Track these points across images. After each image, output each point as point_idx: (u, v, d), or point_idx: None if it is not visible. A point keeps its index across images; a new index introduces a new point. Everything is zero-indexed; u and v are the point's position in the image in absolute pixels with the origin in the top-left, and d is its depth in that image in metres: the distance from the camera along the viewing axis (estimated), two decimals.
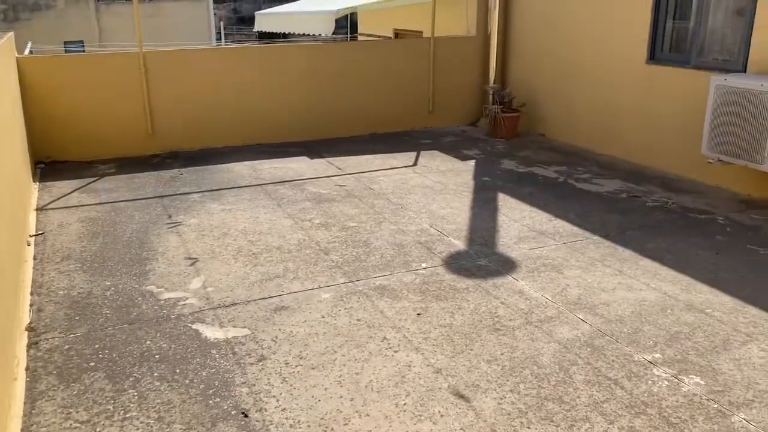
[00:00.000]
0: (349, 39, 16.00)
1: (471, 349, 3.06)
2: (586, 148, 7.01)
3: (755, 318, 3.34)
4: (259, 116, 7.22)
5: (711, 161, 5.19)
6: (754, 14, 5.11)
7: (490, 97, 7.84)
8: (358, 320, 3.33)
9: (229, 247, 4.29)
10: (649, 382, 2.80)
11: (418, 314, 3.40)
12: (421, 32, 8.87)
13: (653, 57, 6.11)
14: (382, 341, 3.13)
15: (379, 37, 10.73)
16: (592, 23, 6.73)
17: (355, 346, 3.10)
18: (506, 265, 4.03)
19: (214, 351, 3.07)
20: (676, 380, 2.81)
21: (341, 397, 2.71)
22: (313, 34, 8.81)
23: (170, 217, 4.87)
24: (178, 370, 2.90)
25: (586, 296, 3.60)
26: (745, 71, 5.24)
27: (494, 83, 7.99)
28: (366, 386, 2.78)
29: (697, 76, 5.59)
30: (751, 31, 5.15)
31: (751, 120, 4.80)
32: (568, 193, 5.48)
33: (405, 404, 2.66)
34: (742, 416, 2.57)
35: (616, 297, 3.59)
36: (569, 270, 3.95)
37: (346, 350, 3.06)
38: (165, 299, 3.58)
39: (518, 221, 4.80)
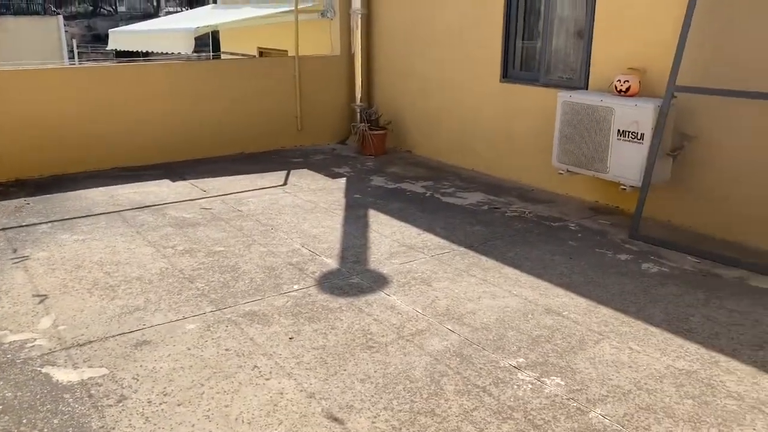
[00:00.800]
0: (212, 57, 15.63)
1: (345, 370, 3.04)
2: (450, 163, 7.28)
3: (606, 317, 3.60)
4: (117, 139, 6.82)
5: (561, 172, 5.57)
6: (592, 36, 5.57)
7: (358, 115, 7.95)
8: (227, 350, 3.21)
9: (83, 281, 3.98)
10: (515, 386, 2.92)
11: (291, 338, 3.33)
12: (286, 51, 8.83)
13: (506, 75, 6.49)
14: (252, 370, 3.03)
15: (243, 55, 10.56)
16: (450, 43, 7.02)
17: (223, 377, 2.97)
18: (378, 281, 4.06)
19: (67, 395, 2.82)
20: (539, 383, 2.95)
21: None
22: (173, 53, 8.48)
23: (15, 251, 4.45)
24: (24, 421, 2.63)
25: (454, 307, 3.71)
26: (587, 88, 5.68)
27: (361, 101, 8.11)
28: (236, 419, 2.67)
29: (545, 93, 5.99)
30: (590, 51, 5.61)
31: (594, 133, 5.21)
32: (435, 207, 5.64)
33: None
34: (599, 411, 2.74)
35: (482, 305, 3.72)
36: (438, 282, 4.05)
37: (214, 382, 2.92)
38: (9, 343, 3.25)
39: (389, 237, 4.86)
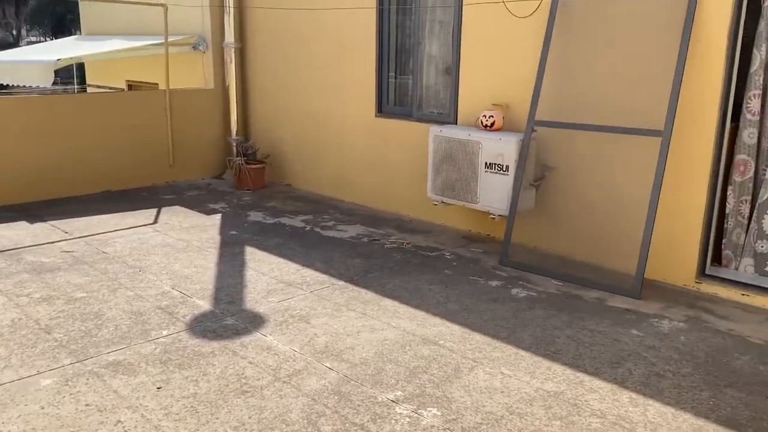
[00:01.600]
0: (77, 91, 14.81)
1: (217, 418, 2.90)
2: (330, 196, 7.30)
3: (479, 344, 3.70)
4: None
5: (436, 203, 5.74)
6: (459, 74, 5.84)
7: (234, 149, 7.79)
8: (87, 405, 2.97)
9: None
10: (392, 421, 2.91)
11: (159, 388, 3.13)
12: (157, 84, 8.53)
13: (381, 110, 6.63)
14: (115, 425, 2.82)
15: (110, 88, 10.09)
16: (326, 78, 7.09)
17: None
18: (254, 322, 3.94)
19: None
20: (416, 415, 2.97)
21: None
22: (30, 86, 7.93)
23: None
24: None
25: (333, 343, 3.67)
26: (456, 123, 5.93)
27: (237, 135, 7.97)
28: None
29: (419, 128, 6.18)
30: (458, 88, 5.87)
31: (464, 165, 5.42)
32: (314, 242, 5.61)
33: None
34: None
35: (361, 340, 3.71)
36: (317, 318, 4.00)
37: None
38: None
39: (266, 274, 4.76)
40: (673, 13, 4.45)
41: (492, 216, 5.33)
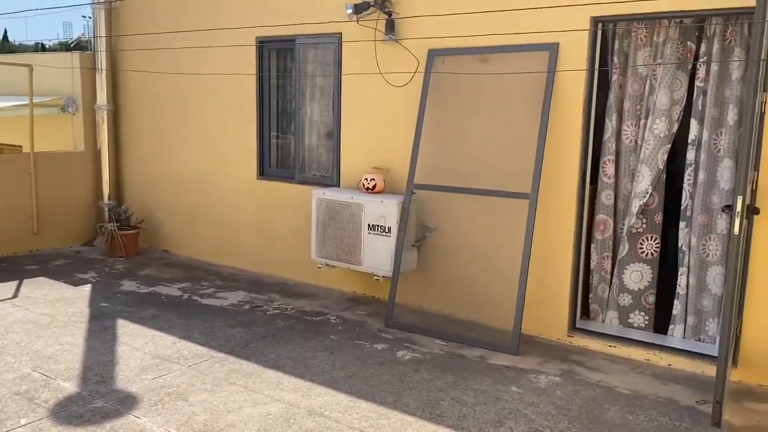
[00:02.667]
0: None
1: None
2: (210, 261, 7.07)
3: (365, 412, 3.66)
4: None
5: (320, 266, 5.71)
6: (340, 138, 5.95)
7: (106, 214, 7.40)
8: None
9: None
10: None
11: None
12: (20, 147, 7.98)
13: (263, 173, 6.59)
14: None
15: None
16: (205, 141, 6.97)
17: None
18: (126, 403, 3.67)
19: None
20: None
21: None
22: None
23: None
24: None
25: (213, 421, 3.48)
26: (339, 185, 6.00)
27: (110, 200, 7.59)
28: None
29: (302, 190, 6.19)
30: (340, 151, 5.97)
31: (347, 228, 5.47)
32: (192, 311, 5.37)
33: None
34: None
35: (243, 416, 3.55)
36: (195, 395, 3.80)
37: None
38: None
39: (140, 349, 4.48)
40: (535, 86, 4.82)
41: (376, 277, 5.38)
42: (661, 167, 4.63)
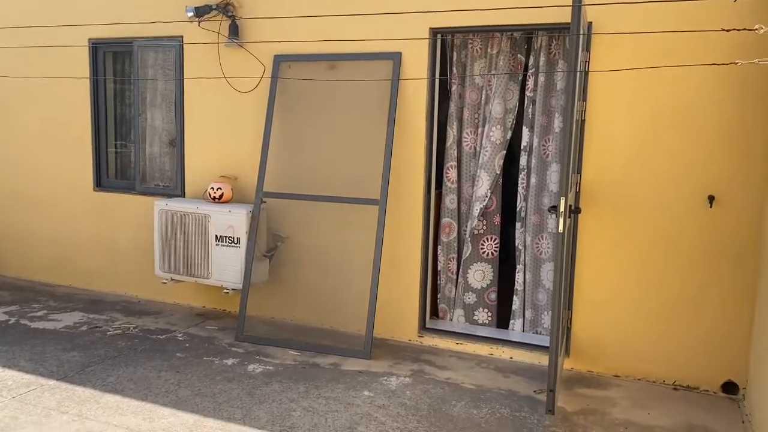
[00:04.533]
0: None
1: None
2: (44, 281, 6.48)
3: (212, 430, 3.50)
4: None
5: (165, 281, 5.42)
6: (184, 146, 5.69)
7: None
8: None
9: None
10: None
11: None
12: None
13: (100, 184, 6.15)
14: None
15: None
16: (33, 151, 6.38)
17: None
18: None
19: None
20: None
21: None
22: None
23: None
24: None
25: None
26: (184, 196, 5.73)
27: None
28: None
29: (143, 201, 5.85)
30: (184, 160, 5.71)
31: (193, 240, 5.24)
32: (20, 336, 4.88)
33: None
34: None
35: None
36: (20, 429, 3.43)
37: None
38: None
39: None
40: (381, 95, 4.91)
41: (226, 290, 5.19)
42: (498, 172, 4.90)
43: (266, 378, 4.25)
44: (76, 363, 4.40)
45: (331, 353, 4.72)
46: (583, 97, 4.31)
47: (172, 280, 5.40)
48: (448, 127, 5.04)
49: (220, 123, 5.52)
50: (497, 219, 5.05)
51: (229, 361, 4.52)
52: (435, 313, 5.25)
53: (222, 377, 4.24)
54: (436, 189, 5.05)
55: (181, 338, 4.98)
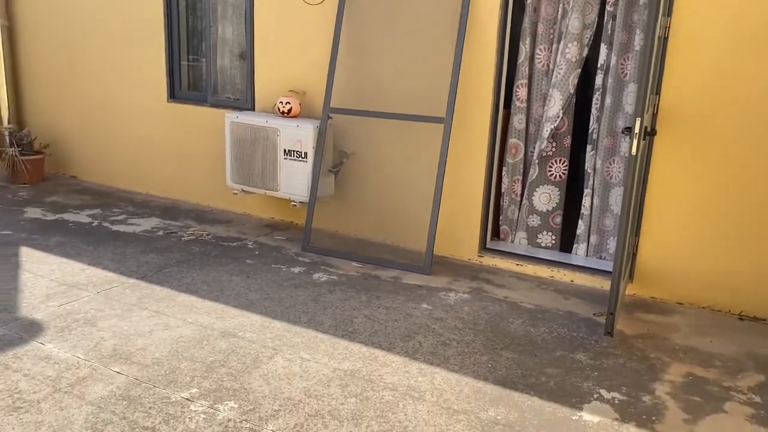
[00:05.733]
0: None
1: None
2: (123, 188, 6.82)
3: (279, 331, 3.71)
4: None
5: (236, 192, 5.61)
6: (254, 59, 5.74)
7: (7, 138, 6.94)
8: None
9: None
10: (186, 420, 2.82)
11: None
12: None
13: (173, 95, 6.31)
14: None
15: None
16: (113, 62, 6.57)
17: None
18: (30, 330, 3.57)
19: None
20: (212, 410, 2.90)
21: None
22: None
23: None
24: None
25: (123, 345, 3.45)
26: (253, 109, 5.83)
27: (9, 123, 7.11)
28: None
29: (214, 113, 5.99)
30: (254, 73, 5.77)
31: (263, 153, 5.36)
32: (102, 238, 5.21)
33: None
34: (271, 427, 2.80)
35: (154, 339, 3.53)
36: (104, 321, 3.73)
37: None
38: None
39: (46, 276, 4.33)
40: (452, 8, 4.76)
41: (293, 203, 5.35)
42: (572, 91, 4.74)
43: (330, 287, 4.41)
44: (154, 264, 4.68)
45: (392, 267, 4.83)
46: (668, 12, 4.05)
47: (242, 191, 5.58)
48: (520, 43, 4.86)
49: (289, 36, 5.51)
50: (567, 141, 4.92)
51: (296, 270, 4.71)
52: (496, 235, 5.26)
53: (289, 284, 4.43)
54: (504, 108, 4.94)
55: (250, 246, 5.20)
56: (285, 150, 5.26)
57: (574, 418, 3.00)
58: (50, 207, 6.00)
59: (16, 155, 6.67)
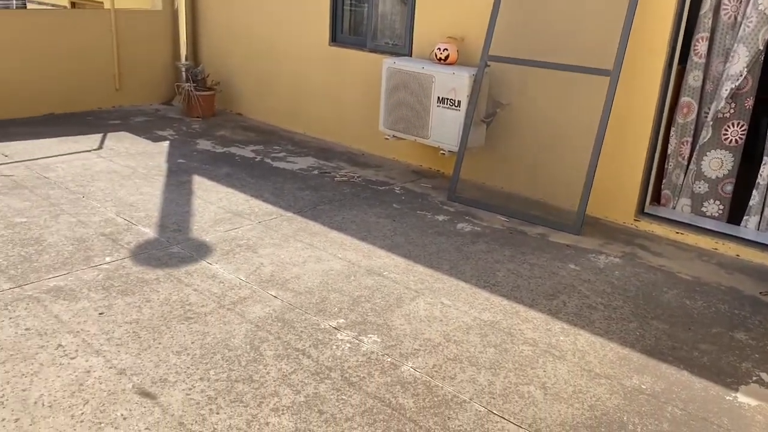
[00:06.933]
0: (16, 6, 13.97)
1: (159, 343, 2.93)
2: (283, 127, 7.20)
3: (422, 275, 3.79)
4: None
5: (388, 137, 5.72)
6: (415, 4, 5.71)
7: (183, 74, 7.55)
8: (27, 329, 2.95)
9: None
10: (333, 347, 3.00)
11: (101, 314, 3.13)
12: (102, 3, 8.11)
13: (335, 39, 6.48)
14: (56, 349, 2.82)
15: (52, 6, 9.55)
16: (279, 3, 6.86)
17: (22, 359, 2.73)
18: (200, 250, 3.93)
19: None
20: (357, 341, 3.06)
21: (4, 419, 2.37)
22: None
23: None
24: None
25: (279, 272, 3.70)
26: (411, 55, 5.85)
27: (187, 60, 7.70)
28: (35, 402, 2.48)
29: (372, 58, 6.09)
30: (414, 19, 5.76)
31: (416, 99, 5.39)
32: (264, 173, 5.56)
33: (82, 414, 2.44)
34: (410, 365, 2.90)
35: (306, 270, 3.76)
36: (264, 248, 4.02)
37: (10, 366, 2.68)
38: None
39: (214, 203, 4.72)
40: None
41: (442, 152, 5.36)
42: (761, 48, 4.26)
43: (474, 237, 4.42)
44: (308, 201, 4.94)
45: (540, 224, 4.72)
46: None
47: (393, 137, 5.68)
48: None
49: None
50: (749, 102, 4.46)
51: (440, 218, 4.75)
52: (656, 199, 4.95)
53: (433, 231, 4.49)
54: (678, 64, 4.55)
55: (398, 191, 5.31)
56: (438, 97, 5.25)
57: (727, 398, 2.82)
58: (219, 140, 6.49)
59: (191, 90, 7.23)
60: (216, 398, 2.58)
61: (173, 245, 3.97)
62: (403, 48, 5.93)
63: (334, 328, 3.16)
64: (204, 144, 6.31)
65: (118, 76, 7.43)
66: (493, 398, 2.71)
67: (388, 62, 5.54)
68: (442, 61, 5.32)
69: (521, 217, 4.82)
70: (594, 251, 4.31)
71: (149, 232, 4.12)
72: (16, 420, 2.38)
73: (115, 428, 2.38)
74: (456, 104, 5.16)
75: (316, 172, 5.69)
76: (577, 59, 4.70)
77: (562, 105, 4.95)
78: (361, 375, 2.80)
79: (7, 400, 2.48)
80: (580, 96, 4.82)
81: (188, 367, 2.76)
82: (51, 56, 6.85)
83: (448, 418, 2.57)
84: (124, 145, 6.02)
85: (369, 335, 3.11)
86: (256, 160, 5.93)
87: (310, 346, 2.99)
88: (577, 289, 3.75)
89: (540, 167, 5.16)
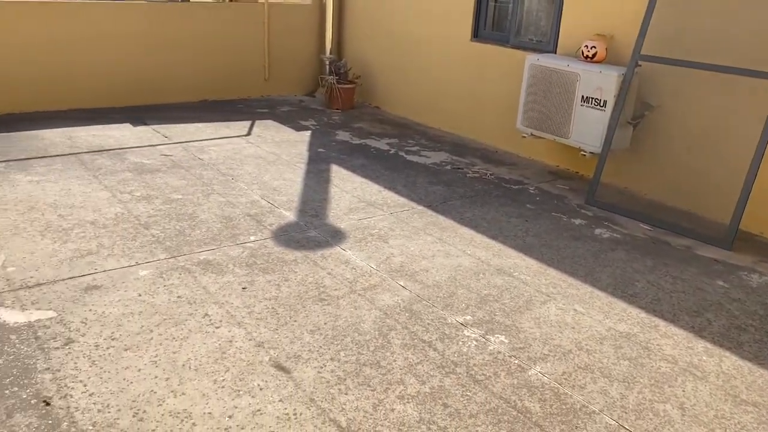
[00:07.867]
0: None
1: (295, 321, 3.07)
2: (418, 121, 7.27)
3: (555, 279, 3.69)
4: (77, 78, 6.63)
5: (525, 135, 5.60)
6: (563, 0, 5.54)
7: (327, 67, 7.83)
8: (179, 297, 3.21)
9: (35, 223, 3.92)
10: (460, 342, 3.00)
11: (244, 288, 3.34)
12: None
13: (477, 35, 6.44)
14: (203, 318, 3.05)
15: None
16: (427, 1, 6.93)
17: (173, 324, 2.98)
18: (335, 236, 4.08)
19: (13, 336, 2.80)
20: (484, 340, 3.03)
21: (156, 377, 2.60)
22: None
23: None
24: None
25: (408, 264, 3.76)
26: (555, 52, 5.68)
27: (331, 53, 7.98)
28: (183, 365, 2.69)
29: (513, 55, 5.98)
30: (561, 15, 5.59)
31: (558, 98, 5.23)
32: (398, 165, 5.65)
33: (224, 380, 2.62)
34: (538, 369, 2.84)
35: (435, 264, 3.78)
36: (394, 239, 4.09)
37: (163, 329, 2.94)
38: None
39: (349, 192, 4.87)
40: None
41: (583, 153, 5.16)
42: None
43: (612, 244, 4.22)
44: (440, 195, 4.96)
45: (685, 235, 4.43)
46: None
47: (531, 135, 5.55)
48: None
49: None
50: None
51: (577, 221, 4.59)
52: None
53: (568, 234, 4.35)
54: None
55: (532, 191, 5.19)
56: (583, 96, 5.06)
57: None
58: (356, 132, 6.68)
59: (333, 83, 7.49)
60: (345, 379, 2.67)
61: (311, 229, 4.14)
62: (547, 44, 5.78)
63: (461, 324, 3.16)
64: (342, 135, 6.52)
65: (268, 67, 7.85)
66: (625, 412, 2.59)
67: (531, 59, 5.41)
68: (589, 59, 5.12)
69: (666, 227, 4.54)
70: (747, 269, 3.98)
71: (290, 216, 4.33)
72: (167, 379, 2.60)
73: (252, 397, 2.53)
74: (601, 104, 4.95)
75: (448, 167, 5.70)
76: (740, 60, 4.33)
77: (719, 110, 4.59)
78: (487, 374, 2.78)
79: (159, 360, 2.72)
80: (739, 100, 4.45)
81: (320, 347, 2.88)
82: (209, 47, 7.37)
83: (576, 427, 2.49)
84: (270, 133, 6.36)
85: (496, 335, 3.08)
86: (391, 152, 6.04)
87: (436, 339, 3.00)
88: (725, 307, 3.48)
89: (689, 174, 4.83)
